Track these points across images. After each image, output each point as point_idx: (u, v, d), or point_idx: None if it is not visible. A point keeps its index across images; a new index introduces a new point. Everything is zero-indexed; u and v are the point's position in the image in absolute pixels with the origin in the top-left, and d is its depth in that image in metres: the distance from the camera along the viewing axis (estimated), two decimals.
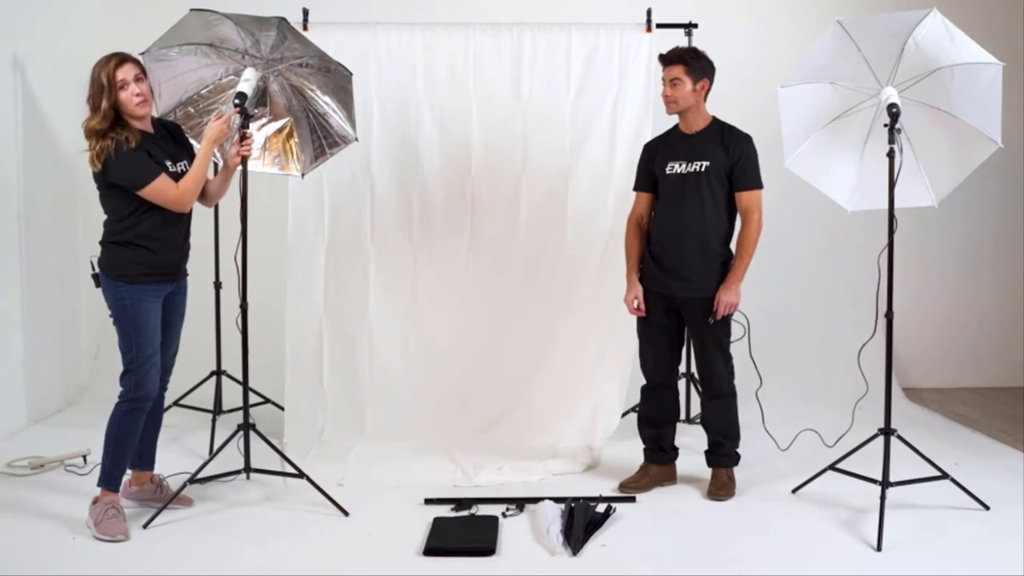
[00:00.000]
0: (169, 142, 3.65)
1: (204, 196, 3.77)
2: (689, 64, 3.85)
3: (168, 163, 3.55)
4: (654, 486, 4.04)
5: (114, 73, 3.41)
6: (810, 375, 5.63)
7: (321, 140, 4.03)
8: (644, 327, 4.06)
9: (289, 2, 4.64)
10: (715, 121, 3.94)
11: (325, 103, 3.96)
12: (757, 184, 3.90)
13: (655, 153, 4.01)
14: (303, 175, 4.17)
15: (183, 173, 3.57)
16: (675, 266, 3.91)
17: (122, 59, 3.46)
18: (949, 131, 3.77)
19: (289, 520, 3.65)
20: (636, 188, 4.11)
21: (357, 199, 4.82)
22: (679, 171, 3.89)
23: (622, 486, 4.02)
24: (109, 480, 3.57)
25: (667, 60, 3.88)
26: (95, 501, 3.56)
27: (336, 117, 3.99)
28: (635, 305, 4.00)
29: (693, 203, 3.87)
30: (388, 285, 4.87)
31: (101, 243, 3.57)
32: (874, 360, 3.98)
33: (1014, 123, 5.55)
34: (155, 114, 3.82)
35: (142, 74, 3.50)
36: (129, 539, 3.45)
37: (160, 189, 3.46)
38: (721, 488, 3.93)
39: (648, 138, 4.63)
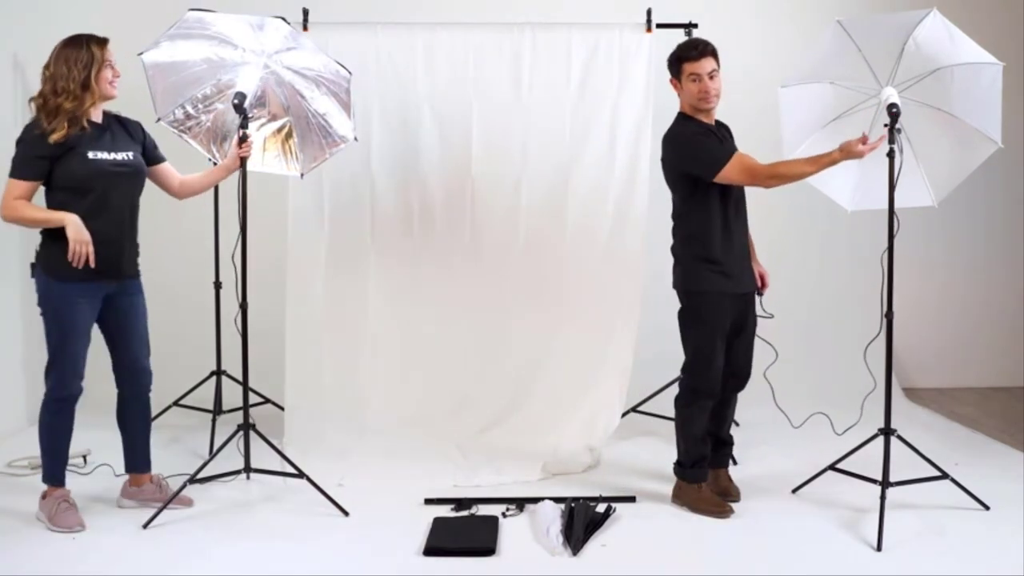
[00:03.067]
0: (117, 133, 3.60)
1: (178, 188, 3.79)
2: (717, 56, 3.76)
3: (103, 153, 3.49)
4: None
5: (103, 51, 3.46)
6: (816, 372, 5.63)
7: (321, 140, 4.03)
8: (715, 334, 3.74)
9: (289, 2, 4.64)
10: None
11: (324, 103, 3.96)
12: None
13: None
14: (302, 175, 4.17)
15: (122, 162, 3.53)
16: (742, 259, 3.82)
17: (106, 40, 3.52)
18: (949, 131, 3.77)
19: (289, 520, 3.65)
20: (732, 150, 3.72)
21: (357, 199, 4.82)
22: None
23: (724, 509, 3.72)
24: (54, 479, 3.60)
25: (704, 52, 3.71)
26: (44, 496, 3.59)
27: (336, 117, 3.98)
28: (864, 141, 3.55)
29: (741, 193, 3.82)
30: (388, 285, 4.87)
31: (41, 233, 3.54)
32: (879, 358, 3.97)
33: (1014, 123, 5.55)
34: (157, 115, 3.83)
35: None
36: (85, 529, 3.50)
37: (8, 189, 3.44)
38: (732, 489, 3.90)
39: (648, 138, 4.63)
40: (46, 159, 3.44)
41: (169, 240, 5.67)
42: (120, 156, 3.55)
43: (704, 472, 3.83)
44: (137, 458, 3.79)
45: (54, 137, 3.40)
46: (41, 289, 3.51)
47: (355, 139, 4.07)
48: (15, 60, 4.82)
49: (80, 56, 3.45)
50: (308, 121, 3.99)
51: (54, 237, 3.47)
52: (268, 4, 4.34)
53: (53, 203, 3.48)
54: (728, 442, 3.99)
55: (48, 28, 5.14)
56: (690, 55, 3.73)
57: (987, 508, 3.74)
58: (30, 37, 4.96)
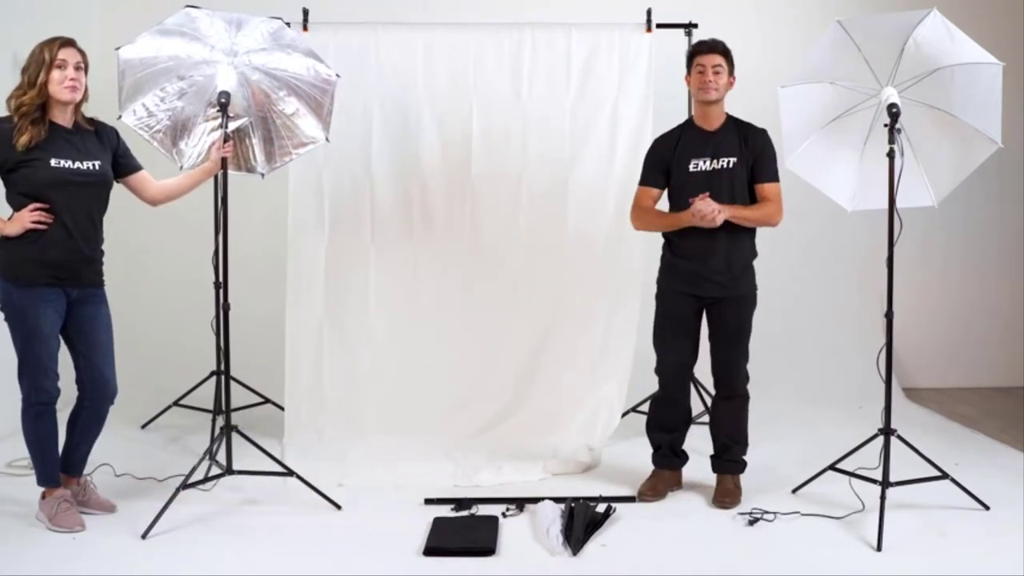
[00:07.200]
0: (88, 141, 3.53)
1: (156, 194, 3.72)
2: (728, 56, 3.83)
3: (67, 161, 3.42)
4: (668, 492, 3.97)
5: (57, 52, 3.41)
6: (819, 378, 5.63)
7: (286, 140, 3.92)
8: (670, 328, 3.90)
9: (289, 2, 4.64)
10: (730, 118, 3.88)
11: (292, 103, 3.87)
12: (775, 177, 3.85)
13: (673, 149, 3.88)
14: (263, 175, 4.03)
15: (87, 171, 3.46)
16: (709, 267, 3.80)
17: (67, 42, 3.46)
18: (949, 131, 3.77)
19: (288, 520, 3.65)
20: (647, 183, 3.93)
21: (357, 199, 4.82)
22: (704, 168, 3.81)
23: (641, 494, 3.92)
24: (47, 479, 3.58)
25: (713, 48, 3.80)
26: (44, 497, 3.57)
27: (305, 118, 3.90)
28: (705, 209, 3.68)
29: (722, 200, 3.77)
30: (388, 285, 4.87)
31: None
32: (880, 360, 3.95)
33: (1014, 123, 5.55)
34: (119, 111, 3.73)
35: (83, 64, 3.47)
36: (85, 529, 3.49)
37: None
38: (727, 495, 3.86)
39: (649, 138, 4.62)
40: None
41: (169, 240, 5.67)
42: (86, 165, 3.47)
43: (662, 459, 4.01)
44: (75, 461, 3.70)
45: (22, 141, 3.36)
46: (3, 295, 3.45)
47: (327, 140, 3.98)
48: (15, 60, 4.81)
49: (34, 56, 3.44)
50: (272, 122, 3.89)
51: (10, 241, 3.42)
52: (268, 4, 4.34)
53: (12, 207, 3.44)
54: (727, 446, 3.92)
55: (48, 28, 5.14)
56: (700, 48, 3.85)
57: (987, 508, 3.74)
58: (30, 37, 4.96)
